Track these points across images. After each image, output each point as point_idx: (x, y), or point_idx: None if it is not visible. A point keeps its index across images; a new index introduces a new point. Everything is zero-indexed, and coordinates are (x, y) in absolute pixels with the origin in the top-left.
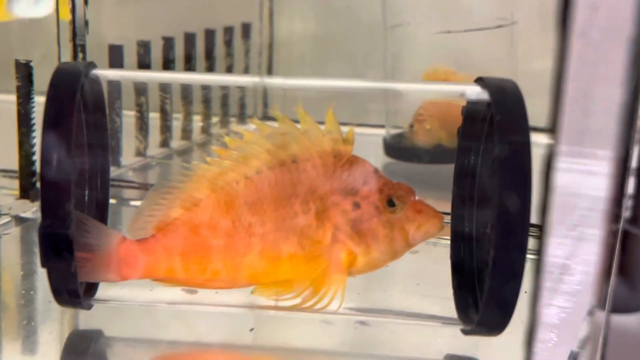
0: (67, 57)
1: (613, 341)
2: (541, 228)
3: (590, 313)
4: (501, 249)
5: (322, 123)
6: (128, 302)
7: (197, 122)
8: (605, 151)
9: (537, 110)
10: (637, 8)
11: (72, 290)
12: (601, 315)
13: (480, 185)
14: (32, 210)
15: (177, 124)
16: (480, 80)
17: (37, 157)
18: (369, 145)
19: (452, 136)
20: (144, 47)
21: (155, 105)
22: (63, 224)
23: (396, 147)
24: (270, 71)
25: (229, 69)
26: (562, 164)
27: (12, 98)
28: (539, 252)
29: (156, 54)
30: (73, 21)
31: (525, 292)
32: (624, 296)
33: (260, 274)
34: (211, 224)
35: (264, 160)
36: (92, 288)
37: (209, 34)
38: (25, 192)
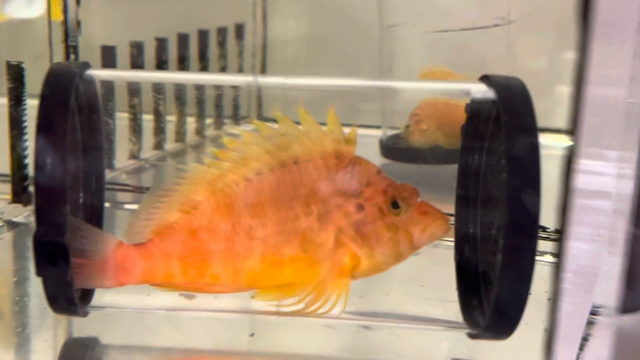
0: (58, 58)
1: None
2: (560, 230)
3: (608, 314)
4: (511, 252)
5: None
6: (124, 308)
7: (190, 123)
8: (628, 153)
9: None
10: None
11: (68, 298)
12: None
13: (486, 185)
14: (24, 214)
15: (170, 126)
16: (485, 78)
17: (29, 161)
18: (365, 146)
19: (449, 136)
20: (137, 48)
21: (147, 107)
22: (58, 231)
23: (393, 148)
24: (264, 72)
25: (223, 70)
26: (581, 165)
27: (3, 101)
28: (559, 254)
29: (149, 55)
30: (65, 22)
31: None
32: (623, 296)
33: (261, 278)
34: (210, 228)
35: (264, 161)
36: (88, 294)
37: (202, 35)
38: (18, 196)
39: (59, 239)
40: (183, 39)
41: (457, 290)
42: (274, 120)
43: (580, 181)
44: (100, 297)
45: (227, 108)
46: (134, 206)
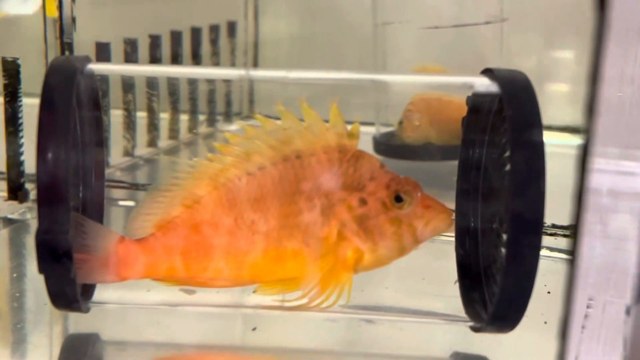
0: (52, 55)
1: None
2: (575, 227)
3: (628, 312)
4: (516, 247)
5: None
6: (125, 303)
7: (182, 121)
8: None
9: None
10: None
11: (71, 295)
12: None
13: (487, 178)
14: (20, 211)
15: (162, 123)
16: (489, 72)
17: (25, 158)
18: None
19: (442, 132)
20: (131, 45)
21: (140, 104)
22: (61, 228)
23: (386, 145)
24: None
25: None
26: (596, 164)
27: None
28: (573, 251)
29: (142, 53)
30: (60, 19)
31: None
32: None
33: (264, 273)
34: (213, 222)
35: (266, 156)
36: (89, 290)
37: (195, 33)
38: (14, 194)
39: (62, 236)
40: (176, 37)
41: (458, 283)
42: (272, 118)
43: (595, 180)
44: (100, 293)
45: (219, 105)
46: (129, 203)
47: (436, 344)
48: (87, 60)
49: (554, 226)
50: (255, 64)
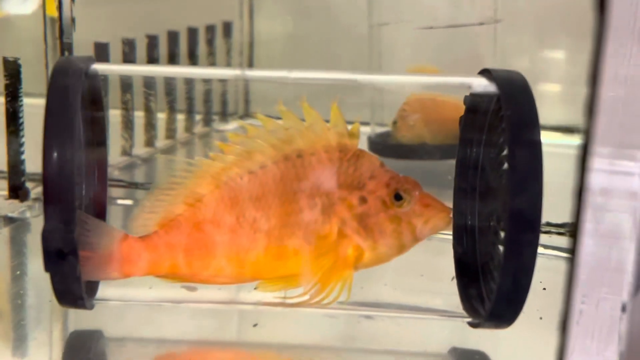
0: (52, 55)
1: None
2: (575, 226)
3: (623, 309)
4: (513, 244)
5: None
6: (128, 300)
7: (179, 121)
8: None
9: None
10: None
11: (77, 292)
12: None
13: (484, 177)
14: (20, 210)
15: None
16: (486, 72)
17: (25, 157)
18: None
19: (436, 132)
20: (129, 45)
21: (137, 104)
22: (67, 227)
23: (381, 144)
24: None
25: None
26: (596, 164)
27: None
28: (573, 250)
29: (140, 53)
30: (60, 19)
31: None
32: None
33: (265, 270)
34: (215, 220)
35: (268, 155)
36: (93, 287)
37: (192, 33)
38: (14, 192)
39: (68, 234)
40: (173, 37)
41: (456, 280)
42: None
43: (595, 180)
44: (103, 290)
45: (215, 104)
46: (127, 201)
47: (434, 339)
48: (91, 60)
49: (548, 224)
50: (251, 64)
